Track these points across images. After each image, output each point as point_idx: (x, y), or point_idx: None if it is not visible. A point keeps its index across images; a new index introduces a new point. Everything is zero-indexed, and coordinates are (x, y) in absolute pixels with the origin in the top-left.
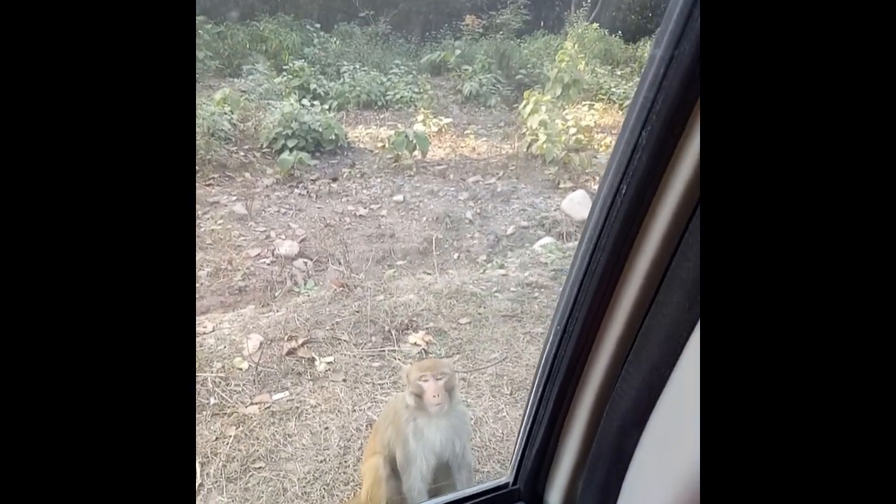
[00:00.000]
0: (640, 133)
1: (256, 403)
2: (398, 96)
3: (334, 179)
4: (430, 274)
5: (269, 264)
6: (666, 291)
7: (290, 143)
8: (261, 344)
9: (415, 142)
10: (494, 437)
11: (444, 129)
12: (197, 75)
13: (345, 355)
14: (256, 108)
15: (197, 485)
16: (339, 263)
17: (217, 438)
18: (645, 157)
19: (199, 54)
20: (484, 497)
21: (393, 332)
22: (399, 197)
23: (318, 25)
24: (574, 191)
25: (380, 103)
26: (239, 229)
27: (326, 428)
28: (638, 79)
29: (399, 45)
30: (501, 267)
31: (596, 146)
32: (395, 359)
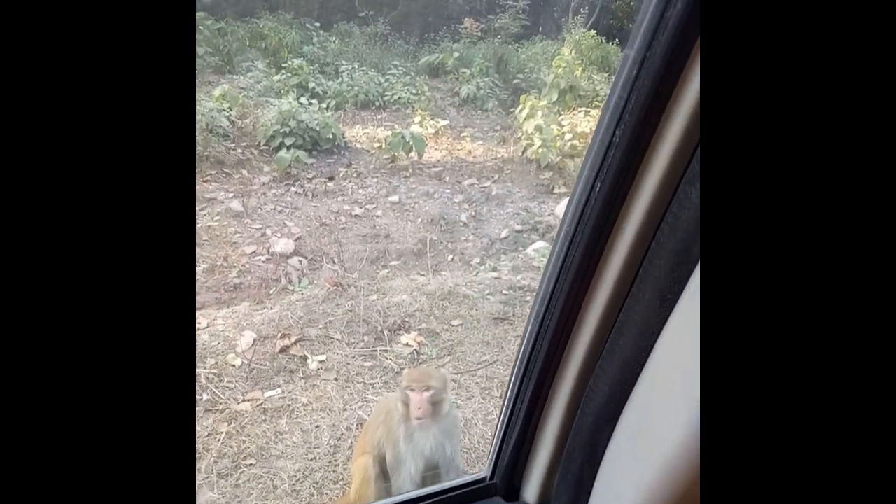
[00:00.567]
0: (613, 132)
1: (248, 400)
2: (396, 97)
3: (331, 178)
4: (423, 275)
5: (264, 262)
6: (638, 289)
7: (288, 142)
8: (254, 341)
9: (411, 143)
10: (484, 439)
11: (440, 131)
12: (196, 71)
13: (337, 354)
14: (255, 106)
15: None
16: (334, 262)
17: (209, 434)
18: (618, 156)
19: (199, 50)
20: (461, 490)
21: (385, 332)
22: (395, 198)
23: (317, 24)
24: (569, 196)
25: (377, 103)
26: (235, 226)
27: (317, 426)
28: None
29: (398, 46)
30: (494, 270)
31: None
32: (386, 359)
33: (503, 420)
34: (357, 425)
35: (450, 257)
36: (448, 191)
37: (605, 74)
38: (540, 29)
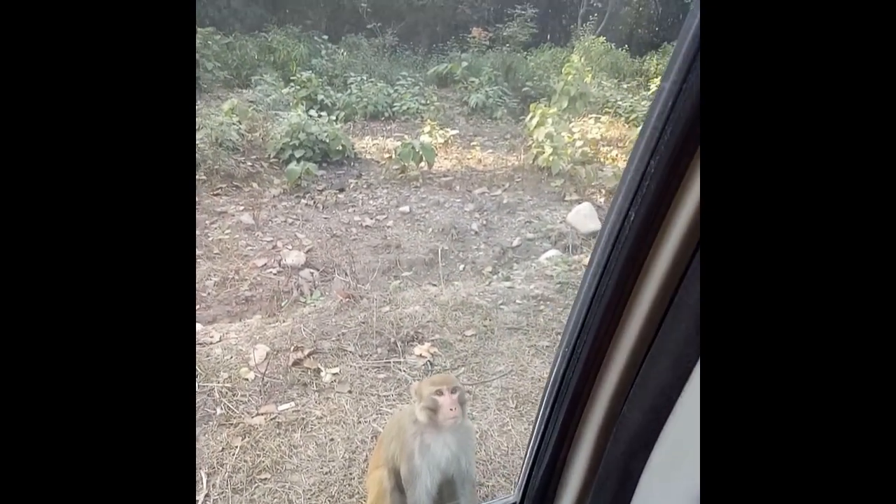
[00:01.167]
0: (647, 162)
1: (262, 414)
2: (405, 108)
3: (341, 190)
4: (435, 285)
5: (275, 274)
6: (673, 317)
7: (298, 154)
8: (267, 354)
9: (421, 153)
10: (500, 450)
11: (450, 141)
12: (205, 86)
13: (350, 367)
14: (264, 119)
15: (203, 495)
16: (346, 274)
17: (223, 449)
18: (653, 186)
19: (208, 65)
20: None
21: (398, 343)
22: (405, 208)
23: (325, 37)
24: (580, 203)
25: (386, 114)
26: (246, 239)
27: (332, 439)
28: (644, 92)
29: (406, 57)
30: (507, 279)
31: (602, 159)
32: (400, 370)
33: (534, 444)
34: (372, 438)
35: (461, 267)
36: (459, 200)
37: (615, 80)
38: (548, 36)
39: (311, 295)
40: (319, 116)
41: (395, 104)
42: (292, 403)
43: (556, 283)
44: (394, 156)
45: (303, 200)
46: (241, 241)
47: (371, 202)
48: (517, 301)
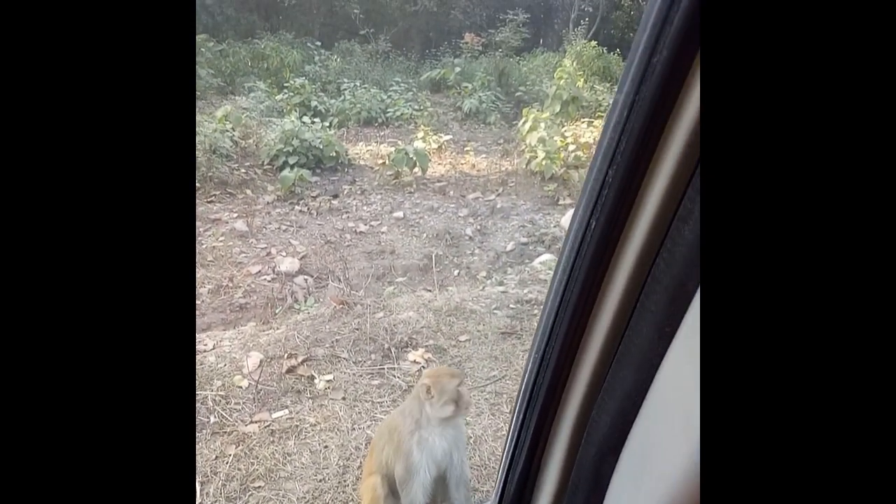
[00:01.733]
0: (606, 172)
1: (256, 422)
2: (398, 113)
3: (335, 196)
4: (429, 291)
5: (269, 281)
6: (636, 323)
7: (291, 160)
8: (261, 362)
9: (415, 159)
10: (494, 455)
11: (443, 146)
12: (199, 93)
13: (344, 373)
14: (257, 126)
15: None
16: (339, 280)
17: (217, 457)
18: (612, 195)
19: (201, 72)
20: None
21: (392, 349)
22: (399, 213)
23: (318, 43)
24: (573, 207)
25: (380, 120)
26: (240, 246)
27: (326, 447)
28: None
29: (399, 63)
30: (501, 284)
31: None
32: (394, 377)
33: (509, 449)
34: (366, 445)
35: (456, 272)
36: (453, 205)
37: (608, 84)
38: (541, 41)
39: (306, 302)
40: (313, 123)
41: (388, 110)
42: (286, 411)
43: None
44: (387, 161)
45: (297, 207)
46: (235, 249)
47: (365, 208)
48: (511, 305)
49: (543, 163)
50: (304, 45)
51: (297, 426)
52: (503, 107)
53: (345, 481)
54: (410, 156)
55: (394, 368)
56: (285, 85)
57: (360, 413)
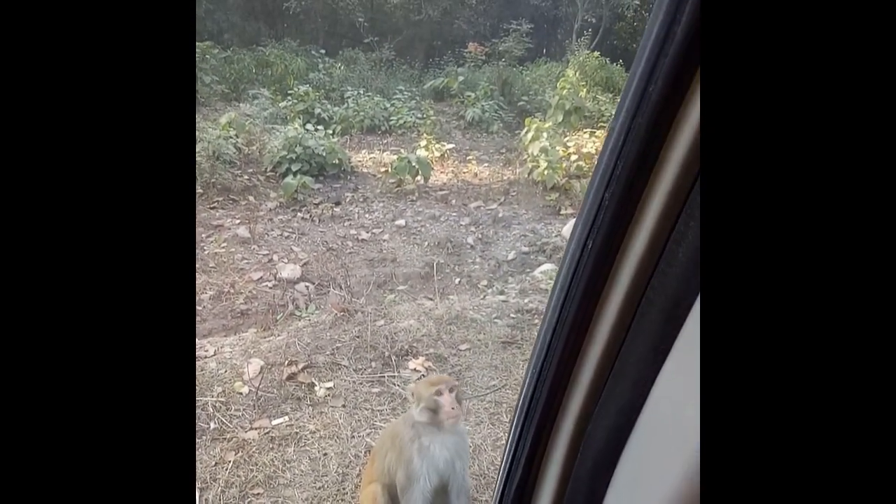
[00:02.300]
0: (602, 195)
1: (256, 428)
2: (401, 122)
3: (337, 203)
4: (430, 299)
5: (271, 288)
6: (632, 341)
7: (294, 168)
8: (261, 368)
9: (417, 167)
10: (493, 465)
11: (446, 155)
12: (203, 99)
13: (344, 381)
14: (261, 133)
15: None
16: (341, 288)
17: (216, 464)
18: (608, 217)
19: (206, 78)
20: None
21: (393, 357)
22: (401, 221)
23: (322, 51)
24: (575, 217)
25: (383, 128)
26: (242, 252)
27: (325, 454)
28: None
29: (403, 71)
30: (502, 293)
31: None
32: (394, 385)
33: (507, 462)
34: (365, 452)
35: (457, 280)
36: (454, 214)
37: (610, 95)
38: (544, 51)
39: (307, 309)
40: (316, 130)
41: (391, 118)
42: (286, 418)
43: None
44: (390, 170)
45: (299, 214)
46: (237, 255)
47: (367, 216)
48: (511, 315)
49: (545, 172)
50: (309, 53)
51: (296, 433)
52: (506, 116)
53: (344, 489)
54: (413, 164)
55: (394, 376)
56: (289, 92)
57: (359, 421)
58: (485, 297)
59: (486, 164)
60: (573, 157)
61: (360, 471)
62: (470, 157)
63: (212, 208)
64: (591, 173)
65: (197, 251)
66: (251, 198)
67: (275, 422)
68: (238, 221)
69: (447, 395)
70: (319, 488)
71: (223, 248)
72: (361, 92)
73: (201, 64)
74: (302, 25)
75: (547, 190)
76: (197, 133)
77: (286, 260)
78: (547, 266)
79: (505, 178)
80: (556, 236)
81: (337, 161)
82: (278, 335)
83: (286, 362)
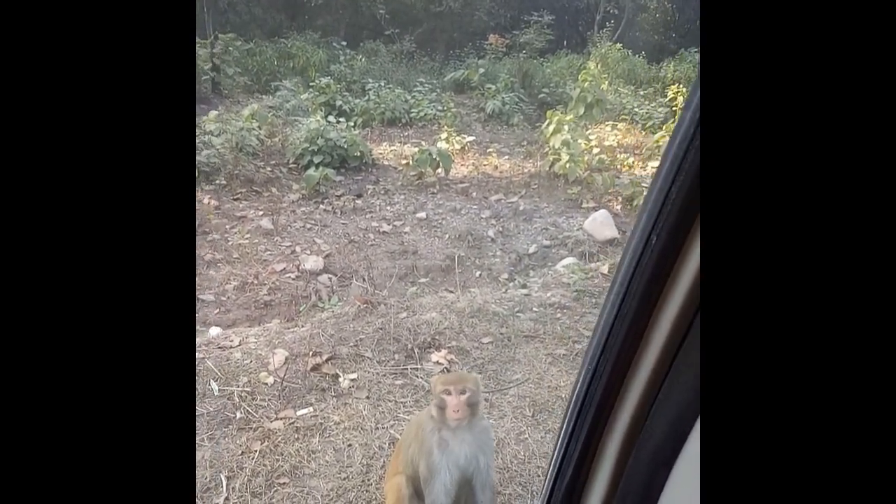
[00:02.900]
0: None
1: (281, 419)
2: (422, 114)
3: (359, 196)
4: (452, 292)
5: (294, 279)
6: (696, 333)
7: (316, 160)
8: (286, 359)
9: (438, 159)
10: (516, 459)
11: (467, 147)
12: (226, 91)
13: (368, 372)
14: (283, 125)
15: (223, 498)
16: (363, 280)
17: (243, 453)
18: (682, 192)
19: (229, 70)
20: None
21: (416, 350)
22: (422, 214)
23: (344, 43)
24: (597, 210)
25: (404, 120)
26: (265, 244)
27: (349, 445)
28: (661, 98)
29: (423, 64)
30: (524, 286)
31: (619, 166)
32: (417, 377)
33: (557, 458)
34: (389, 444)
35: (478, 273)
36: (475, 206)
37: (632, 87)
38: (565, 43)
39: (329, 300)
40: (338, 122)
41: (412, 110)
42: (311, 408)
43: (573, 290)
44: (411, 162)
45: (321, 206)
46: (260, 246)
47: (388, 208)
48: (534, 309)
49: (567, 165)
50: (330, 45)
51: (321, 424)
52: (526, 108)
53: (368, 480)
54: (434, 156)
55: (417, 369)
56: (311, 84)
57: (383, 412)
58: (506, 290)
59: (506, 157)
60: (595, 151)
61: (384, 462)
62: (490, 150)
63: (235, 200)
64: (612, 166)
65: (221, 242)
66: (274, 189)
67: (300, 412)
68: (261, 213)
69: (454, 397)
70: (344, 479)
71: (247, 239)
72: (382, 84)
73: (224, 56)
74: (323, 18)
75: (568, 183)
76: (220, 125)
77: (309, 252)
78: (569, 260)
79: (525, 170)
80: (577, 230)
81: (358, 153)
82: (302, 326)
83: (310, 353)
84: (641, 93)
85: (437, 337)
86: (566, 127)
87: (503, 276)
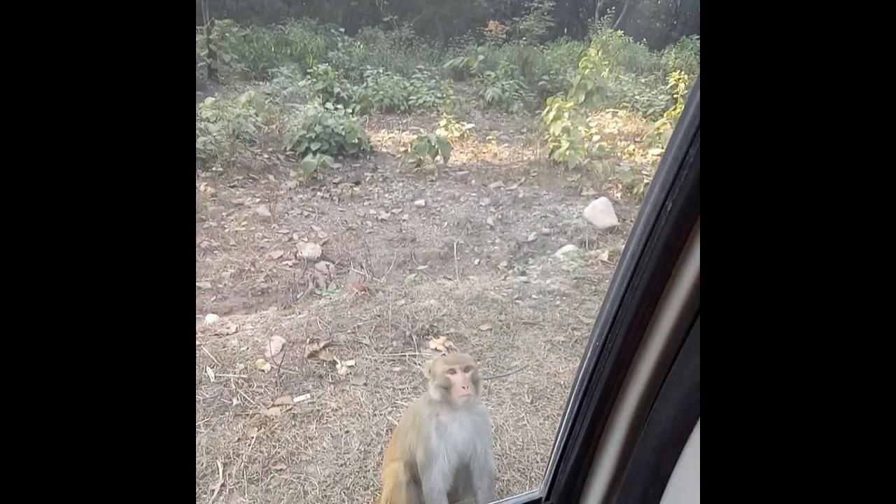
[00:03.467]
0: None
1: (278, 405)
2: (421, 101)
3: (357, 183)
4: (450, 279)
5: (291, 266)
6: (698, 327)
7: (314, 147)
8: (283, 346)
9: (437, 147)
10: (515, 445)
11: (466, 135)
12: (223, 78)
13: (366, 359)
14: (281, 111)
15: (219, 485)
16: (361, 267)
17: (239, 439)
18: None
19: (226, 57)
20: None
21: (414, 336)
22: (421, 202)
23: (342, 29)
24: (596, 198)
25: (402, 108)
26: (262, 231)
27: (347, 432)
28: (662, 86)
29: (422, 50)
30: (523, 274)
31: (619, 154)
32: (415, 364)
33: (561, 439)
34: (387, 431)
35: (477, 261)
36: (474, 194)
37: (633, 74)
38: (565, 30)
39: (327, 287)
40: (336, 109)
41: (411, 97)
42: (308, 395)
43: (573, 278)
44: (409, 149)
45: (319, 193)
46: (257, 233)
47: (386, 195)
48: (533, 296)
49: (567, 153)
50: (328, 32)
51: (318, 410)
52: (526, 96)
53: (366, 466)
54: (432, 144)
55: (415, 356)
56: (308, 71)
57: (381, 399)
58: (505, 277)
59: (506, 144)
60: (595, 138)
61: (381, 449)
62: (490, 137)
63: (232, 187)
64: (612, 154)
65: (218, 229)
66: (271, 177)
67: (297, 399)
68: (258, 200)
69: (460, 374)
70: (341, 465)
71: (243, 226)
72: (381, 71)
73: (221, 42)
74: (321, 4)
75: (568, 170)
76: (217, 112)
77: (306, 239)
78: (568, 247)
79: (525, 158)
80: (577, 217)
81: (356, 140)
82: (299, 313)
83: (307, 340)
84: (642, 80)
85: (435, 324)
86: (566, 114)
87: (502, 263)
